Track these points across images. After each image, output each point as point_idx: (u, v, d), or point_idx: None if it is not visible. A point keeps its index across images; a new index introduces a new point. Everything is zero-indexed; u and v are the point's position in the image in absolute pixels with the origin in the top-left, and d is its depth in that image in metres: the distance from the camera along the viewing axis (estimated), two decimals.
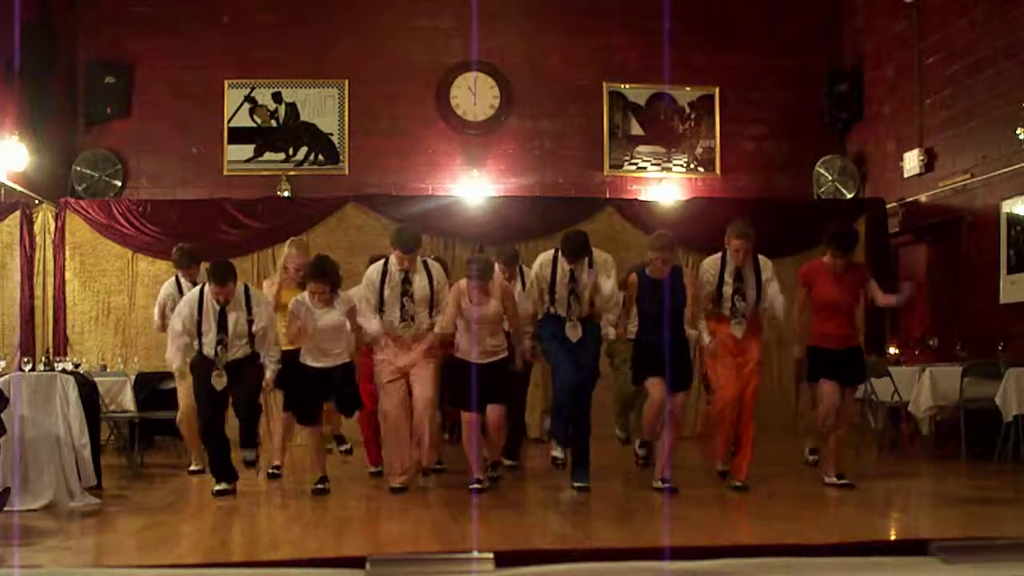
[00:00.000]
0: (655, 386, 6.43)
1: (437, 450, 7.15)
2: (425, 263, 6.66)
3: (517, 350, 6.63)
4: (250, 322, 6.50)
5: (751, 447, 6.55)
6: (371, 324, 6.52)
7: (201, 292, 6.56)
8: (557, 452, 6.63)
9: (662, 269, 6.42)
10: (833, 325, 6.54)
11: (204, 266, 6.94)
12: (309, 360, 6.56)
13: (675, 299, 6.40)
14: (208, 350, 6.46)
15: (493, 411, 6.54)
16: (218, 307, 6.44)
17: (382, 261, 6.65)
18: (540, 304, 6.67)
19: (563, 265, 6.54)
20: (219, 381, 6.42)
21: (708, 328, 6.53)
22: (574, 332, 6.52)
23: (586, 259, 6.55)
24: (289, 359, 6.62)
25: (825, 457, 6.63)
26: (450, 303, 6.43)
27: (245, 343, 6.53)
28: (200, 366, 6.54)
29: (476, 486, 6.40)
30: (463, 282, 6.44)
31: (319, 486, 6.54)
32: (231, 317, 6.46)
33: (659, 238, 6.52)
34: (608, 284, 6.58)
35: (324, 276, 6.41)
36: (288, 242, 7.59)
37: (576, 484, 6.46)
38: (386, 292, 6.52)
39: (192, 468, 7.57)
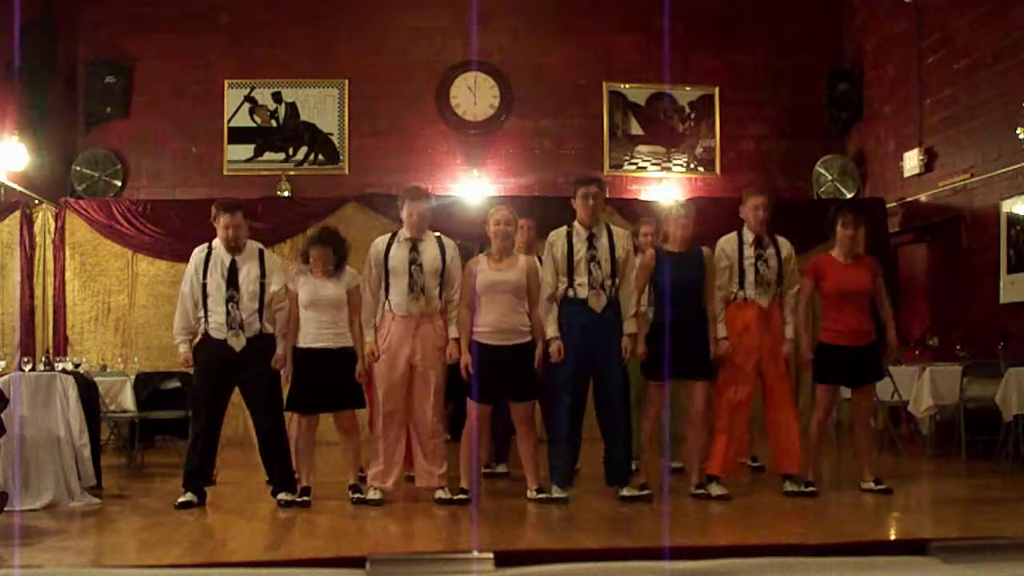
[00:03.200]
0: (656, 393, 6.13)
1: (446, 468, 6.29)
2: (439, 237, 6.15)
3: (538, 338, 5.96)
4: (263, 285, 6.04)
5: (794, 438, 6.21)
6: (368, 331, 6.03)
7: (209, 248, 6.10)
8: (557, 493, 5.99)
9: (683, 242, 6.15)
10: (845, 318, 6.26)
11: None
12: (306, 341, 6.10)
13: (696, 275, 6.10)
14: (216, 321, 5.97)
15: (519, 411, 6.06)
16: (228, 259, 6.03)
17: (390, 234, 6.18)
18: (557, 285, 6.06)
19: (580, 230, 6.09)
20: (236, 341, 5.95)
21: (727, 317, 6.21)
22: (597, 300, 5.96)
23: (605, 227, 6.14)
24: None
25: (808, 456, 6.35)
26: (465, 278, 5.97)
27: (256, 312, 6.01)
28: (204, 349, 6.06)
29: (461, 496, 5.97)
30: (478, 256, 6.07)
31: (356, 495, 6.11)
32: (243, 272, 6.00)
33: (678, 207, 6.27)
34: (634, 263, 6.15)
35: (326, 242, 6.15)
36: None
37: (623, 494, 6.01)
38: (392, 263, 5.99)
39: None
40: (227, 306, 5.97)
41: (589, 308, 6.00)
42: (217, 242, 6.15)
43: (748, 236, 6.36)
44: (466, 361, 5.94)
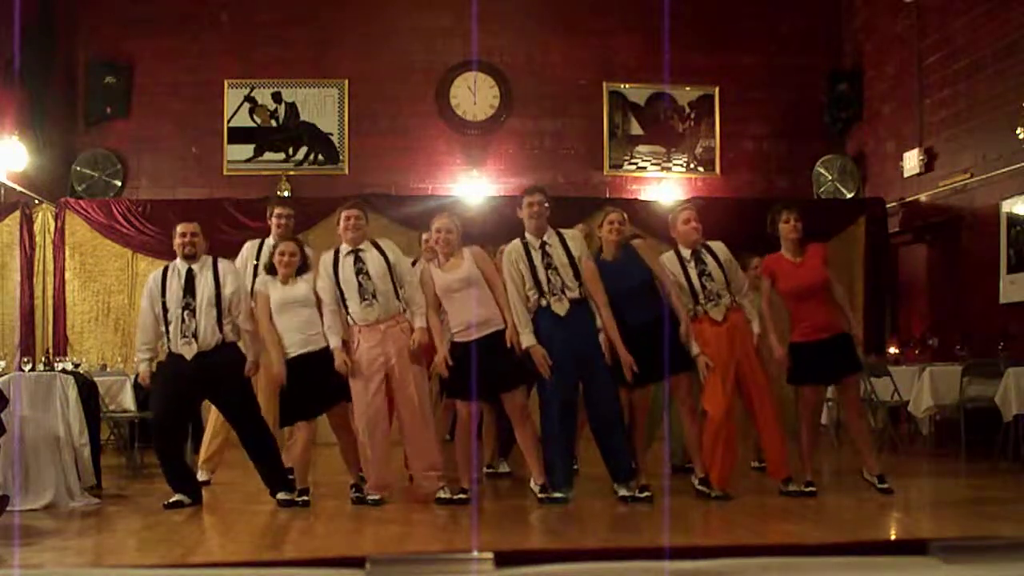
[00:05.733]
0: (639, 397, 6.26)
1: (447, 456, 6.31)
2: (374, 242, 6.25)
3: (510, 333, 5.94)
4: (219, 293, 6.05)
5: (781, 443, 6.25)
6: (332, 337, 6.04)
7: (166, 267, 6.22)
8: (558, 493, 5.94)
9: (615, 249, 6.20)
10: (807, 314, 6.22)
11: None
12: (292, 350, 6.06)
13: (635, 278, 6.12)
14: (174, 332, 5.99)
15: (511, 401, 6.05)
16: (184, 268, 6.08)
17: (333, 250, 6.25)
18: (526, 299, 6.05)
19: (532, 241, 6.14)
20: (188, 350, 5.95)
21: (694, 334, 6.14)
22: (560, 306, 6.00)
23: (555, 233, 6.18)
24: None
25: (802, 458, 6.34)
26: (425, 285, 6.06)
27: (214, 319, 6.01)
28: (164, 366, 6.10)
29: (461, 496, 6.01)
30: (426, 264, 6.21)
31: (357, 494, 6.13)
32: (199, 280, 6.06)
33: (609, 211, 6.37)
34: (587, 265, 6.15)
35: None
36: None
37: (623, 494, 6.02)
38: (341, 276, 6.07)
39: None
40: (183, 314, 6.01)
41: (556, 313, 6.04)
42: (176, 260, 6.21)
43: (685, 252, 6.31)
44: (443, 355, 5.97)
